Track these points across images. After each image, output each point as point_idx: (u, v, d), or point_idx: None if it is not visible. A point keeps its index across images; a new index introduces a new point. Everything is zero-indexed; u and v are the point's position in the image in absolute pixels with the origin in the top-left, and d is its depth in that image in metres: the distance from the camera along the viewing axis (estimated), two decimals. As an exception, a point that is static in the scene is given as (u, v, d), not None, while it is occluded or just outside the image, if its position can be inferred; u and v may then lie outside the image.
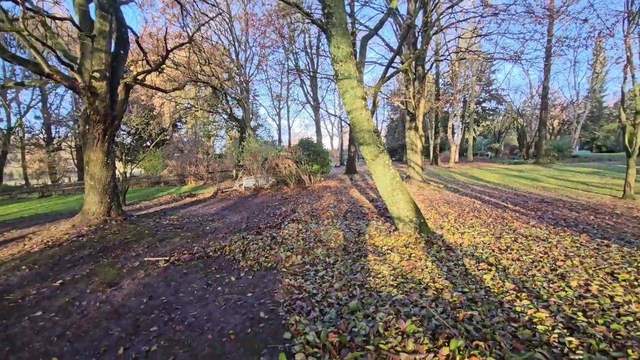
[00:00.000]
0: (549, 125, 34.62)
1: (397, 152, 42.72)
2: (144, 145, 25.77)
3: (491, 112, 44.48)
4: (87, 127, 8.77)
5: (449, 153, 32.67)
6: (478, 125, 45.27)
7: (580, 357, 2.62)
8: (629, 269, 4.48)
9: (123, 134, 25.42)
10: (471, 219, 8.06)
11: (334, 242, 6.22)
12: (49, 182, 24.54)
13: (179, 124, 32.85)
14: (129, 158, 16.69)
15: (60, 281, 5.01)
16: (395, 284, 4.26)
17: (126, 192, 14.43)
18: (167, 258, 5.92)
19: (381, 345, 2.71)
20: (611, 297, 3.68)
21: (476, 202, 10.68)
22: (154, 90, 20.27)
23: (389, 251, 5.66)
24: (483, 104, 43.18)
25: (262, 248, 6.08)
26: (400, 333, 2.88)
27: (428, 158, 33.64)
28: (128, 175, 14.81)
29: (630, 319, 3.21)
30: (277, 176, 17.40)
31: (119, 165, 14.19)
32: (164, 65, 11.14)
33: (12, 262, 5.99)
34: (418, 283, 4.28)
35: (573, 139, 34.09)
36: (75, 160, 29.55)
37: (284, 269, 5.18)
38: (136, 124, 19.72)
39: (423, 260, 5.17)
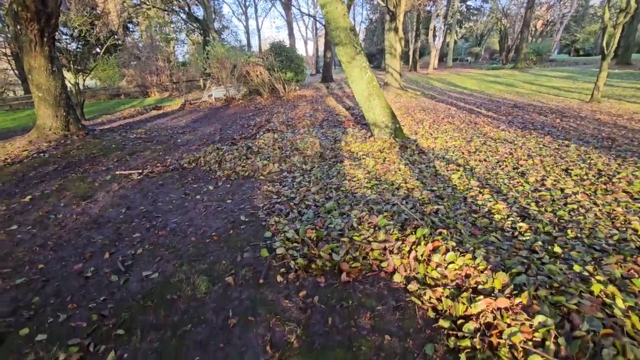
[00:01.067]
0: (531, 26, 33.20)
1: (375, 58, 40.51)
2: (94, 52, 22.76)
3: (475, 12, 41.62)
4: (18, 27, 7.45)
5: (428, 58, 31.35)
6: (460, 27, 42.76)
7: (528, 238, 2.98)
8: (582, 165, 4.87)
9: (66, 39, 22.05)
10: (445, 125, 8.20)
11: (311, 150, 6.24)
12: (-8, 97, 21.96)
13: (130, 25, 28.66)
14: (78, 67, 14.83)
15: (30, 197, 4.87)
16: (369, 186, 4.47)
17: (83, 106, 13.26)
18: (140, 171, 5.79)
19: (355, 237, 2.94)
20: (562, 190, 4.07)
21: (451, 109, 10.75)
22: (92, -19, 17.02)
23: (364, 156, 5.79)
24: (467, 3, 39.99)
25: (238, 158, 6.03)
26: (372, 226, 3.11)
27: (407, 64, 32.27)
28: (81, 86, 13.38)
29: (575, 206, 3.61)
30: (248, 85, 16.35)
31: (68, 75, 12.66)
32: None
33: (-28, 181, 5.68)
34: (391, 184, 4.50)
35: (553, 42, 33.33)
36: (16, 71, 26.07)
37: (262, 177, 5.25)
38: (78, 25, 16.98)
39: (397, 163, 5.36)
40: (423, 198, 3.97)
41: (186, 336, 2.23)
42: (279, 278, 2.72)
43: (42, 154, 6.97)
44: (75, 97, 12.33)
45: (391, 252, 2.76)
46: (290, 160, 5.78)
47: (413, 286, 2.44)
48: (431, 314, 2.23)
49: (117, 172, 5.81)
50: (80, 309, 2.55)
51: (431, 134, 7.24)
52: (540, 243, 2.84)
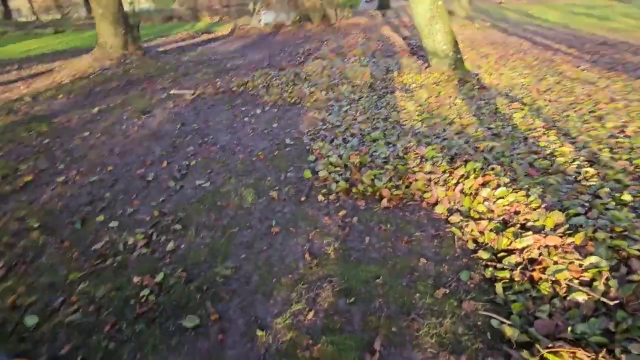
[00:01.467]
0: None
1: (441, -17, 35.39)
2: (146, -30, 22.33)
3: None
4: None
5: (506, -17, 26.67)
6: (554, -57, 35.04)
7: (593, 183, 2.70)
8: (679, 113, 4.13)
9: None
10: (514, 61, 7.24)
11: (360, 79, 5.92)
12: (59, 17, 23.12)
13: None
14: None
15: (97, 109, 5.30)
16: (420, 119, 4.22)
17: (139, 27, 13.48)
18: (193, 92, 5.96)
19: (399, 166, 2.87)
20: (645, 139, 3.54)
21: (524, 44, 9.36)
22: None
23: (417, 88, 5.39)
24: None
25: (285, 84, 5.93)
26: (419, 157, 3.00)
27: (478, -10, 27.91)
28: (136, 8, 13.50)
29: (658, 157, 3.15)
30: (298, 10, 15.36)
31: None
32: None
33: (49, 92, 6.26)
34: (444, 119, 4.21)
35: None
36: (78, -9, 26.72)
37: (308, 104, 5.16)
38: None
39: (452, 97, 4.94)
40: (478, 135, 3.69)
41: (234, 237, 2.45)
42: (320, 197, 2.80)
43: (105, 71, 7.39)
44: (132, 19, 12.52)
45: (436, 183, 2.68)
46: (338, 89, 5.56)
47: (455, 218, 2.40)
48: (471, 245, 2.20)
49: (172, 92, 6.05)
50: (143, 206, 2.88)
51: (496, 70, 6.47)
52: (607, 190, 2.56)
